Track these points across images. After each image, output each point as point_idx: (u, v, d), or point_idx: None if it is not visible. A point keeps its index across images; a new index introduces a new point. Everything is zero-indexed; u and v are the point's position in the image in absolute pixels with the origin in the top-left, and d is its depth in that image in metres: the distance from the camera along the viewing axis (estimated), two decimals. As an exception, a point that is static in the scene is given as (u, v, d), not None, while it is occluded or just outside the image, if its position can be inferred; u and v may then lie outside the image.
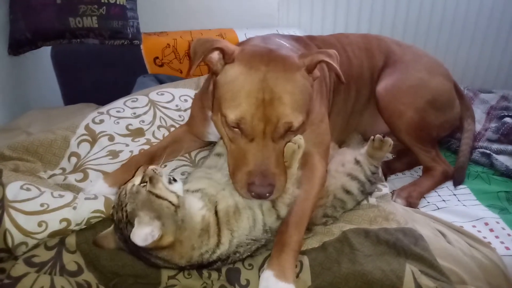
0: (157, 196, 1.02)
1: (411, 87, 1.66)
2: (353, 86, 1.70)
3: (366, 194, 1.32)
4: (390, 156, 1.86)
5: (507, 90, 2.30)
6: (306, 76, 1.14)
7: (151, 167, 1.09)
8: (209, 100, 1.32)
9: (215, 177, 1.19)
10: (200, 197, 1.12)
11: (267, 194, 1.07)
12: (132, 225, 0.97)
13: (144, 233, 0.95)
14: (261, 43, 1.32)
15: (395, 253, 1.09)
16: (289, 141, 1.12)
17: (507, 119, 1.92)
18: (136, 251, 1.04)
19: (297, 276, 1.07)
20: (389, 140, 1.34)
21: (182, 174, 1.38)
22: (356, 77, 1.69)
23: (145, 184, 1.05)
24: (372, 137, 1.36)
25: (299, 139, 1.12)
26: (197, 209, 1.08)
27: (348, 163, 1.35)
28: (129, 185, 1.06)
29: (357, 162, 1.33)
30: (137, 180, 1.07)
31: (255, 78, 1.07)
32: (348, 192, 1.27)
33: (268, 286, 1.03)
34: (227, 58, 1.14)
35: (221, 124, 1.14)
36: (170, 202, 1.02)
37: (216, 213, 1.09)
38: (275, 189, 1.07)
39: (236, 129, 1.09)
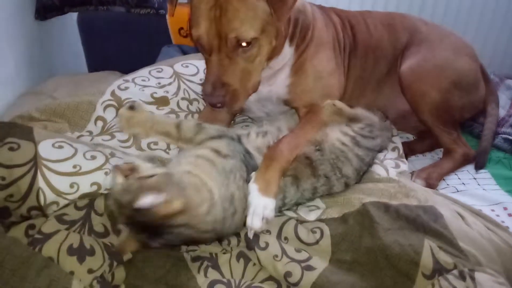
0: (146, 177, 1.06)
1: (436, 66, 1.65)
2: (371, 55, 1.72)
3: (366, 148, 1.36)
4: (411, 137, 1.86)
5: (535, 77, 2.25)
6: None
7: (120, 163, 1.14)
8: None
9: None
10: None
11: (218, 104, 1.22)
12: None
13: (148, 198, 0.99)
14: None
15: (414, 229, 1.10)
16: (250, 58, 1.23)
17: (532, 106, 1.90)
18: (160, 234, 1.06)
19: (317, 243, 1.11)
20: (329, 102, 1.43)
21: None
22: (375, 47, 1.72)
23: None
24: None
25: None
26: (181, 170, 1.14)
27: (339, 125, 1.42)
28: (118, 187, 1.07)
29: (346, 125, 1.41)
30: (119, 179, 1.08)
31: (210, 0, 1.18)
32: (343, 143, 1.34)
33: (251, 198, 1.17)
34: None
35: (194, 43, 1.30)
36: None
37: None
38: (229, 99, 1.21)
39: (200, 46, 1.24)
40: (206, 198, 1.09)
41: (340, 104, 1.43)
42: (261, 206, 1.16)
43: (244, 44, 1.19)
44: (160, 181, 1.05)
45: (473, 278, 1.02)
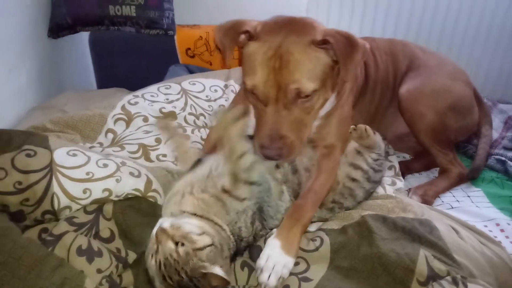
0: (201, 249, 1.03)
1: (434, 91, 1.73)
2: (379, 88, 1.76)
3: (373, 182, 1.38)
4: (408, 157, 1.93)
5: (526, 102, 2.34)
6: (315, 48, 1.18)
7: (166, 225, 1.06)
8: None
9: (175, 189, 1.21)
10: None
11: (276, 157, 1.17)
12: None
13: (218, 271, 0.99)
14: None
15: (410, 239, 1.15)
16: (307, 110, 1.20)
17: (524, 129, 1.98)
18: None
19: (317, 249, 1.16)
20: (362, 126, 1.37)
21: None
22: (382, 80, 1.76)
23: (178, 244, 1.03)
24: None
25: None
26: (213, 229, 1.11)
27: (349, 153, 1.42)
28: (169, 252, 1.01)
29: (358, 152, 1.39)
30: (170, 245, 1.02)
31: (269, 48, 1.16)
32: (353, 179, 1.34)
33: (272, 255, 1.12)
34: (251, 37, 1.23)
35: (245, 92, 1.26)
36: (209, 245, 1.05)
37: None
38: (286, 152, 1.17)
39: (255, 96, 1.20)
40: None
41: (370, 131, 1.38)
42: (281, 264, 1.10)
43: (303, 96, 1.17)
44: (213, 254, 1.05)
45: (465, 285, 1.06)
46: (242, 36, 1.24)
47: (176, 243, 1.02)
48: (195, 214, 1.13)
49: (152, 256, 1.03)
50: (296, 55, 1.14)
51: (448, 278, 1.06)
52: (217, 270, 0.99)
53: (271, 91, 1.16)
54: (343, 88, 1.45)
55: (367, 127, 1.37)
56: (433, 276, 1.06)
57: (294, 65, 1.14)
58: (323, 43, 1.18)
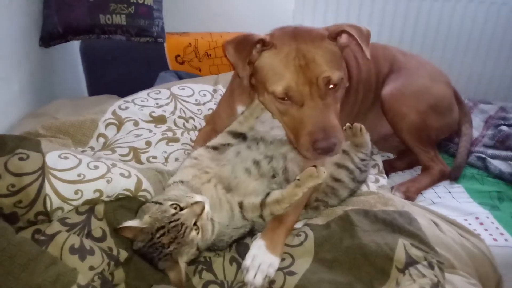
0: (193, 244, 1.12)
1: (414, 92, 1.79)
2: (361, 90, 1.82)
3: (358, 182, 1.41)
4: (391, 156, 1.99)
5: (506, 102, 2.42)
6: (331, 43, 1.27)
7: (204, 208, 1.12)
8: (243, 93, 1.47)
9: (204, 163, 1.28)
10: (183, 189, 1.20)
11: (334, 147, 1.18)
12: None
13: None
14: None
15: (390, 230, 1.20)
16: (336, 99, 1.24)
17: (504, 127, 2.04)
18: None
19: (301, 244, 1.20)
20: (357, 125, 1.41)
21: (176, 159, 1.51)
22: (364, 82, 1.82)
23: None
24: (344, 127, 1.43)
25: (323, 172, 1.15)
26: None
27: None
28: (185, 221, 1.09)
29: (344, 151, 1.41)
30: (191, 219, 1.10)
31: (288, 52, 1.22)
32: (337, 180, 1.36)
33: (257, 254, 1.15)
34: (266, 45, 1.26)
35: (271, 102, 1.27)
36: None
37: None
38: (340, 141, 1.19)
39: (286, 101, 1.23)
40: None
41: (364, 130, 1.42)
42: (267, 263, 1.13)
43: (332, 86, 1.21)
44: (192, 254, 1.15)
45: (441, 269, 1.11)
46: (257, 47, 1.27)
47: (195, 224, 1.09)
48: None
49: (175, 206, 1.10)
50: (317, 50, 1.21)
51: (424, 262, 1.12)
52: (183, 266, 1.08)
53: (304, 88, 1.20)
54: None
55: (362, 125, 1.42)
56: (411, 262, 1.11)
57: (319, 58, 1.20)
58: (336, 35, 1.27)
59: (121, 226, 1.12)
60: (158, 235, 1.08)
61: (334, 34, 1.27)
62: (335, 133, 1.19)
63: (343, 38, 1.30)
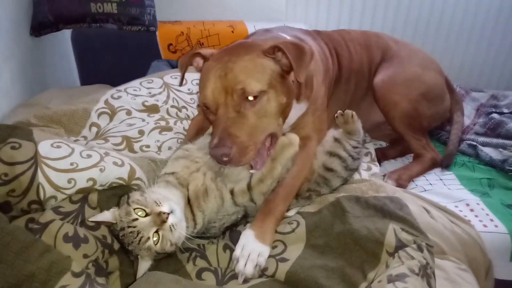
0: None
1: (406, 80, 1.80)
2: (353, 79, 1.83)
3: (351, 170, 1.41)
4: (384, 144, 2.00)
5: (498, 90, 2.44)
6: (264, 57, 1.24)
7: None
8: None
9: (194, 154, 1.29)
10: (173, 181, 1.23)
11: (225, 158, 1.13)
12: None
13: None
14: (260, 35, 1.52)
15: (381, 216, 1.22)
16: (259, 113, 1.20)
17: (495, 115, 2.06)
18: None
19: (293, 231, 1.21)
20: (349, 112, 1.41)
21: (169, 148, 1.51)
22: (356, 70, 1.83)
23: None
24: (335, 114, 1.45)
25: (295, 137, 1.16)
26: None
27: (327, 142, 1.45)
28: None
29: (336, 139, 1.42)
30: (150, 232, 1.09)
31: (217, 66, 1.23)
32: (329, 169, 1.37)
33: (246, 243, 1.16)
34: (205, 59, 1.33)
35: (202, 111, 1.33)
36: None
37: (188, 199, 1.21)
38: (236, 152, 1.13)
39: (207, 109, 1.25)
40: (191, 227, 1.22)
41: (355, 117, 1.42)
42: (256, 252, 1.14)
43: (251, 98, 1.18)
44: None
45: (430, 252, 1.14)
46: (197, 59, 1.38)
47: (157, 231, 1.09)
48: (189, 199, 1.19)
49: (139, 211, 1.11)
50: (241, 63, 1.21)
51: (414, 245, 1.14)
52: (145, 265, 1.11)
53: (219, 97, 1.20)
54: (312, 90, 1.48)
55: (353, 112, 1.42)
56: (401, 246, 1.14)
57: (238, 69, 1.19)
58: (272, 51, 1.24)
59: (91, 219, 1.15)
60: (121, 233, 1.11)
61: (270, 50, 1.24)
62: (230, 143, 1.14)
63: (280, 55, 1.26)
